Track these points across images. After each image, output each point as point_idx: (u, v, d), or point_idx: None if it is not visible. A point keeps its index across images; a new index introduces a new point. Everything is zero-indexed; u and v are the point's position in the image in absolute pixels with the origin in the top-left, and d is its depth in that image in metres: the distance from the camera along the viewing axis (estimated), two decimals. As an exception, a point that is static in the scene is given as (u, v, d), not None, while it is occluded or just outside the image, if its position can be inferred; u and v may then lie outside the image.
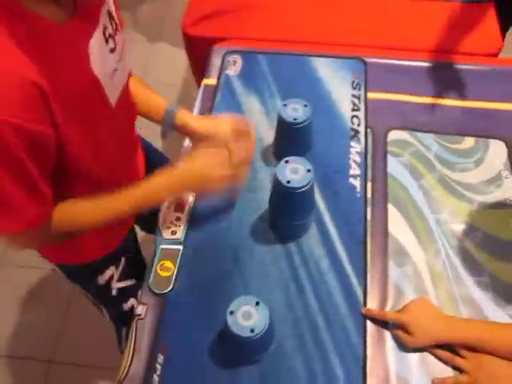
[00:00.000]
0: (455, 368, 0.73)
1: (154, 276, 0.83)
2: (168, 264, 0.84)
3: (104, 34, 0.65)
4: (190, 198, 0.91)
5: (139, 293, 0.82)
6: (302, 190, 0.77)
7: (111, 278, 0.95)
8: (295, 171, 0.78)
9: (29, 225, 0.63)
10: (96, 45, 0.63)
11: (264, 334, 0.69)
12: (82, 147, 0.67)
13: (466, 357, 0.72)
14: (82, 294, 1.05)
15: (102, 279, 0.94)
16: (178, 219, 0.88)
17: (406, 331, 0.73)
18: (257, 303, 0.70)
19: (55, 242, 0.79)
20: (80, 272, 0.95)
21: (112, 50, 0.67)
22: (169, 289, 0.82)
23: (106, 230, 0.78)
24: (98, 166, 0.74)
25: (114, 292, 0.98)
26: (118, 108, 0.72)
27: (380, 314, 0.78)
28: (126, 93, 0.76)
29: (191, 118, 0.88)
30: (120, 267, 0.96)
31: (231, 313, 0.69)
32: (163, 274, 0.83)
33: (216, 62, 1.15)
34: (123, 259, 0.97)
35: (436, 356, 0.74)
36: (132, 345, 0.77)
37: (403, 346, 0.75)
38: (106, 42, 0.66)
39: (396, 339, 0.76)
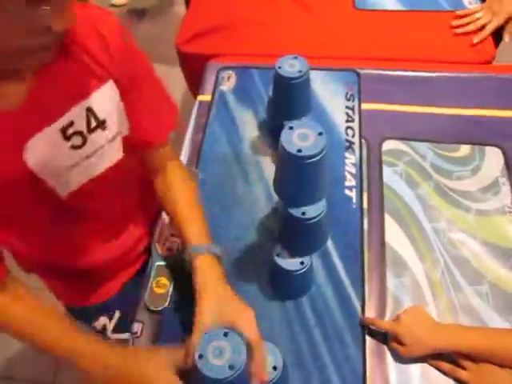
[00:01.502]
0: (457, 380, 0.71)
1: (149, 293, 0.82)
2: (164, 281, 0.84)
3: (65, 130, 0.61)
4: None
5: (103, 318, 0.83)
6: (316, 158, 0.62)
7: (105, 327, 0.91)
8: (304, 137, 0.63)
9: None
10: (43, 139, 0.59)
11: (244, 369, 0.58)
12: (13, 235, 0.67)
13: (468, 368, 0.71)
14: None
15: (98, 325, 0.90)
16: (174, 235, 0.88)
17: (400, 342, 0.72)
18: (225, 334, 0.60)
19: None
20: (76, 313, 0.92)
21: (76, 147, 0.64)
22: (165, 305, 0.81)
23: (79, 283, 0.79)
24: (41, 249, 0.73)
25: (112, 339, 0.92)
26: (75, 197, 0.69)
27: (374, 321, 0.77)
28: (99, 184, 0.70)
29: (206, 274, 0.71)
30: (114, 320, 0.91)
31: (200, 357, 0.58)
32: (159, 290, 0.83)
33: (210, 78, 1.16)
34: (117, 313, 0.91)
35: (437, 368, 0.73)
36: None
37: (398, 357, 0.74)
38: (67, 138, 0.62)
39: (391, 350, 0.75)
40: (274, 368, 0.65)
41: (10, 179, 0.60)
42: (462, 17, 1.23)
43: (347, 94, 1.10)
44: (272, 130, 1.01)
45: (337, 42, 1.24)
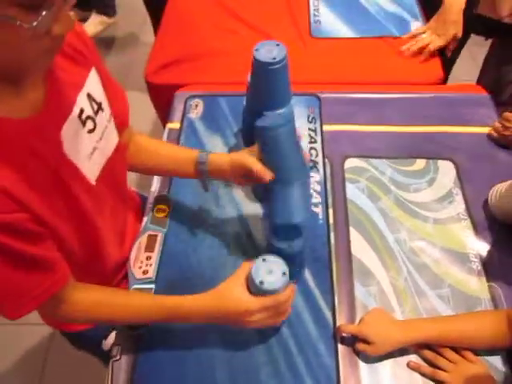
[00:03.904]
0: (437, 382, 0.76)
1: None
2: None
3: (80, 117, 0.66)
4: (160, 237, 0.93)
5: (113, 334, 0.83)
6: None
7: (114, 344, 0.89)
8: (270, 272, 0.70)
9: (43, 296, 0.63)
10: (70, 130, 0.63)
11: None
12: (67, 227, 0.68)
13: (448, 369, 0.75)
14: (60, 340, 1.03)
15: (107, 344, 0.88)
16: (149, 258, 0.90)
17: (367, 342, 0.76)
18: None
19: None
20: (84, 338, 0.93)
21: (91, 131, 0.69)
22: (143, 328, 0.82)
23: None
24: (83, 237, 0.74)
25: None
26: (100, 184, 0.72)
27: (341, 327, 0.80)
28: (110, 167, 0.75)
29: (222, 156, 0.84)
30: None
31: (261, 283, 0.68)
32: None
33: (178, 106, 1.20)
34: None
35: (418, 371, 0.77)
36: (109, 386, 0.77)
37: (368, 358, 0.78)
38: (83, 124, 0.67)
39: (360, 353, 0.78)
40: (283, 274, 0.72)
41: (58, 177, 0.63)
42: (410, 38, 1.34)
43: (309, 116, 1.16)
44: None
45: (297, 68, 1.29)
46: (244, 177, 0.80)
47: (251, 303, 0.69)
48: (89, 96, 0.68)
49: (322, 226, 0.95)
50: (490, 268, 0.89)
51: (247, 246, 0.93)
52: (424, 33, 1.32)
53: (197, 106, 1.19)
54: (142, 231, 0.95)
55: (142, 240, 0.93)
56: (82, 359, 1.13)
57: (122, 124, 0.79)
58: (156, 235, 0.94)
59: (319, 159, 1.07)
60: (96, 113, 0.70)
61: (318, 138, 1.11)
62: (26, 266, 0.60)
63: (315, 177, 1.03)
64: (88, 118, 0.68)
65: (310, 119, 1.15)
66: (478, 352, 0.78)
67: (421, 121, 1.14)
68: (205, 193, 1.00)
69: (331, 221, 0.96)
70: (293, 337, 0.81)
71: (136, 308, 0.74)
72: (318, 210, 0.98)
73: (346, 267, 0.90)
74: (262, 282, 0.69)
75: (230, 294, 0.71)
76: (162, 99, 1.30)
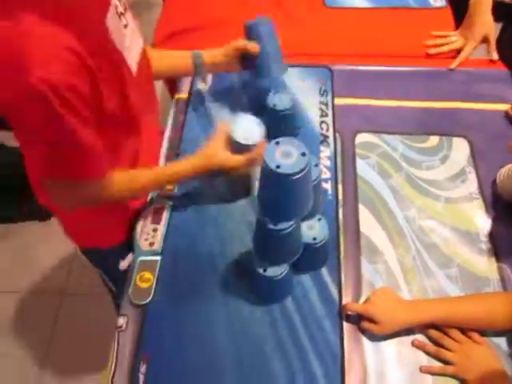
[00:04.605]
0: (442, 361, 0.76)
1: (133, 287, 0.84)
2: (147, 275, 0.85)
3: (116, 11, 0.72)
4: (166, 209, 0.93)
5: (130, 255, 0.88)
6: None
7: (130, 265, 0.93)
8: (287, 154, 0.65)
9: (103, 170, 0.74)
10: (112, 20, 0.70)
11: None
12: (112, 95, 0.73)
13: (453, 349, 0.75)
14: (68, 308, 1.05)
15: (124, 265, 0.92)
16: (155, 230, 0.90)
17: (373, 321, 0.76)
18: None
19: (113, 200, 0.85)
20: (104, 256, 0.99)
21: (125, 26, 0.75)
22: (149, 299, 0.83)
23: (122, 216, 0.91)
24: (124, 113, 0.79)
25: None
26: (138, 76, 0.80)
27: (347, 305, 0.80)
28: (142, 65, 0.82)
29: (215, 51, 1.01)
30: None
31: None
32: (143, 285, 0.85)
33: (187, 77, 1.17)
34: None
35: (423, 350, 0.77)
36: (115, 356, 0.78)
37: (373, 336, 0.78)
38: (120, 18, 0.73)
39: (365, 331, 0.78)
40: (314, 239, 0.79)
41: (108, 59, 0.70)
42: (437, 37, 1.24)
43: (321, 89, 1.13)
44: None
45: (309, 40, 1.27)
46: (238, 58, 1.00)
47: (236, 161, 0.85)
48: None
49: (331, 201, 0.94)
50: (500, 249, 0.88)
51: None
52: (454, 35, 1.22)
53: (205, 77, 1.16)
54: (148, 204, 0.94)
55: (148, 212, 0.92)
56: (89, 332, 1.14)
57: None
58: (163, 208, 0.93)
59: (330, 133, 1.04)
60: (125, 11, 0.76)
61: (330, 112, 1.08)
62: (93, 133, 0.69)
63: (325, 151, 1.01)
64: (121, 14, 0.74)
65: (321, 92, 1.12)
66: (483, 333, 0.77)
67: (436, 96, 1.11)
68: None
69: (340, 197, 0.95)
70: (298, 312, 0.81)
71: (150, 179, 0.86)
72: (328, 185, 0.96)
73: (353, 244, 0.89)
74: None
75: (215, 157, 0.85)
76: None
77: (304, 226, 0.79)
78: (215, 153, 0.85)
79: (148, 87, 0.92)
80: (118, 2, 0.73)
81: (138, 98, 0.80)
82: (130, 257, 0.89)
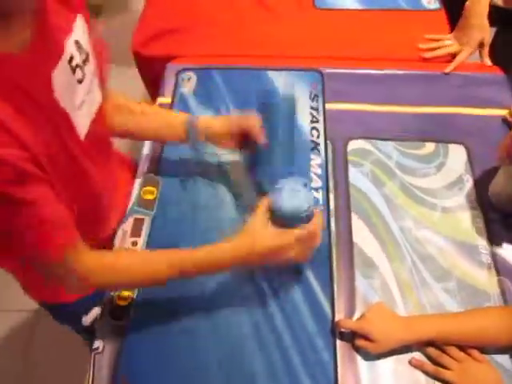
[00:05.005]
0: (441, 380, 0.74)
1: (112, 305, 0.81)
2: (126, 292, 0.83)
3: (70, 63, 0.63)
4: (147, 221, 0.91)
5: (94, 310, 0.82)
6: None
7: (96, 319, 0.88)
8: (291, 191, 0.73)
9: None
10: (61, 75, 0.61)
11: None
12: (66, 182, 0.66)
13: (452, 368, 0.74)
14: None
15: (87, 320, 0.86)
16: (135, 244, 0.88)
17: (368, 339, 0.74)
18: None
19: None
20: (64, 312, 0.92)
21: (80, 81, 0.66)
22: (128, 319, 0.80)
23: None
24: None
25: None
26: (88, 142, 0.70)
27: (340, 322, 0.78)
28: (94, 127, 0.72)
29: (214, 120, 0.90)
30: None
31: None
32: (121, 302, 0.82)
33: (169, 80, 1.16)
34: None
35: (421, 370, 0.75)
36: (91, 381, 0.76)
37: (368, 355, 0.76)
38: (73, 71, 0.64)
39: (360, 349, 0.76)
40: (305, 185, 0.75)
41: (51, 125, 0.60)
42: (430, 40, 1.24)
43: (311, 93, 1.12)
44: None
45: (298, 42, 1.26)
46: (238, 137, 0.86)
47: (284, 235, 0.71)
48: (77, 43, 0.65)
49: (323, 212, 0.92)
50: (501, 261, 0.86)
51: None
52: (449, 39, 1.22)
53: (189, 79, 1.15)
54: (127, 215, 0.92)
55: (128, 224, 0.90)
56: (66, 351, 1.12)
57: (102, 82, 0.76)
58: (143, 219, 0.91)
59: (321, 140, 1.03)
60: (84, 63, 0.67)
61: (321, 118, 1.07)
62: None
63: (316, 159, 1.00)
64: (77, 66, 0.65)
65: (311, 96, 1.11)
66: (484, 350, 0.76)
67: (431, 101, 1.10)
68: (196, 173, 0.98)
69: (332, 206, 0.93)
70: (289, 330, 0.79)
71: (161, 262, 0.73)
72: (319, 194, 0.95)
73: (346, 257, 0.87)
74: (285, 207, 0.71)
75: (259, 233, 0.71)
76: (152, 72, 1.26)
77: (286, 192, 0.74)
78: (259, 231, 0.71)
79: (102, 147, 0.81)
80: (75, 52, 0.65)
81: (87, 161, 0.71)
82: (94, 311, 0.82)
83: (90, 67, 0.69)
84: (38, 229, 0.59)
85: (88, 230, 0.72)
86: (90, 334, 0.83)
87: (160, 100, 1.13)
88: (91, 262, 0.68)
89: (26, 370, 1.54)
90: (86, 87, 0.68)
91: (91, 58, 0.70)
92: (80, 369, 0.93)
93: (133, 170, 1.01)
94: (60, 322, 1.01)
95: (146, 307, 0.82)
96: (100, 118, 0.75)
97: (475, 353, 0.75)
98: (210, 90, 1.13)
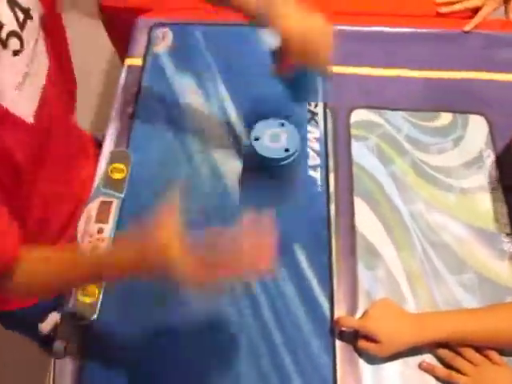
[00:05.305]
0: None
1: (74, 303, 0.82)
2: (91, 288, 0.83)
3: None
4: (115, 204, 0.90)
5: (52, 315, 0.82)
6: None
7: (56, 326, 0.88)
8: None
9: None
10: None
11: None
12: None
13: (467, 373, 0.75)
14: None
15: (45, 328, 0.86)
16: (101, 231, 0.87)
17: (372, 339, 0.76)
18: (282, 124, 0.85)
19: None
20: (16, 320, 0.92)
21: (17, 52, 0.63)
22: (93, 317, 0.81)
23: None
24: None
25: None
26: (39, 123, 0.69)
27: (340, 320, 0.80)
28: (45, 98, 0.71)
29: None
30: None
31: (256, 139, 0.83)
32: (86, 299, 0.82)
33: (141, 37, 1.15)
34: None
35: (432, 374, 0.77)
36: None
37: (370, 358, 0.77)
38: (4, 44, 0.61)
39: (362, 351, 0.78)
40: (286, 150, 0.84)
41: None
42: None
43: (308, 55, 1.12)
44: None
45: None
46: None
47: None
48: (10, 2, 0.62)
49: (321, 194, 0.93)
50: (525, 250, 0.88)
51: (226, 213, 0.90)
52: None
53: (164, 36, 1.15)
54: (91, 197, 0.91)
55: (92, 208, 0.90)
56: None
57: (53, 29, 0.74)
58: (110, 202, 0.91)
59: (319, 110, 1.04)
60: (23, 25, 0.64)
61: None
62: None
63: (314, 133, 1.00)
64: (11, 34, 0.62)
65: (308, 58, 1.11)
66: (503, 352, 0.78)
67: (448, 64, 1.11)
68: (172, 148, 0.97)
69: (332, 188, 0.94)
70: (280, 331, 0.80)
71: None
72: (316, 174, 0.95)
73: (348, 246, 0.88)
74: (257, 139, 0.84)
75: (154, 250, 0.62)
76: (120, 28, 1.25)
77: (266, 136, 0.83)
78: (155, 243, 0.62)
79: (59, 127, 0.79)
80: (8, 15, 0.61)
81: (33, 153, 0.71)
82: (53, 316, 0.82)
83: (33, 24, 0.66)
84: None
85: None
86: (46, 343, 0.83)
87: (129, 61, 1.12)
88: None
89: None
90: (28, 55, 0.65)
91: (34, 7, 0.66)
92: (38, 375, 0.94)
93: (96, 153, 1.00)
94: (12, 330, 1.01)
95: (115, 303, 0.82)
96: (51, 83, 0.73)
97: (494, 355, 0.76)
98: (189, 50, 1.13)
